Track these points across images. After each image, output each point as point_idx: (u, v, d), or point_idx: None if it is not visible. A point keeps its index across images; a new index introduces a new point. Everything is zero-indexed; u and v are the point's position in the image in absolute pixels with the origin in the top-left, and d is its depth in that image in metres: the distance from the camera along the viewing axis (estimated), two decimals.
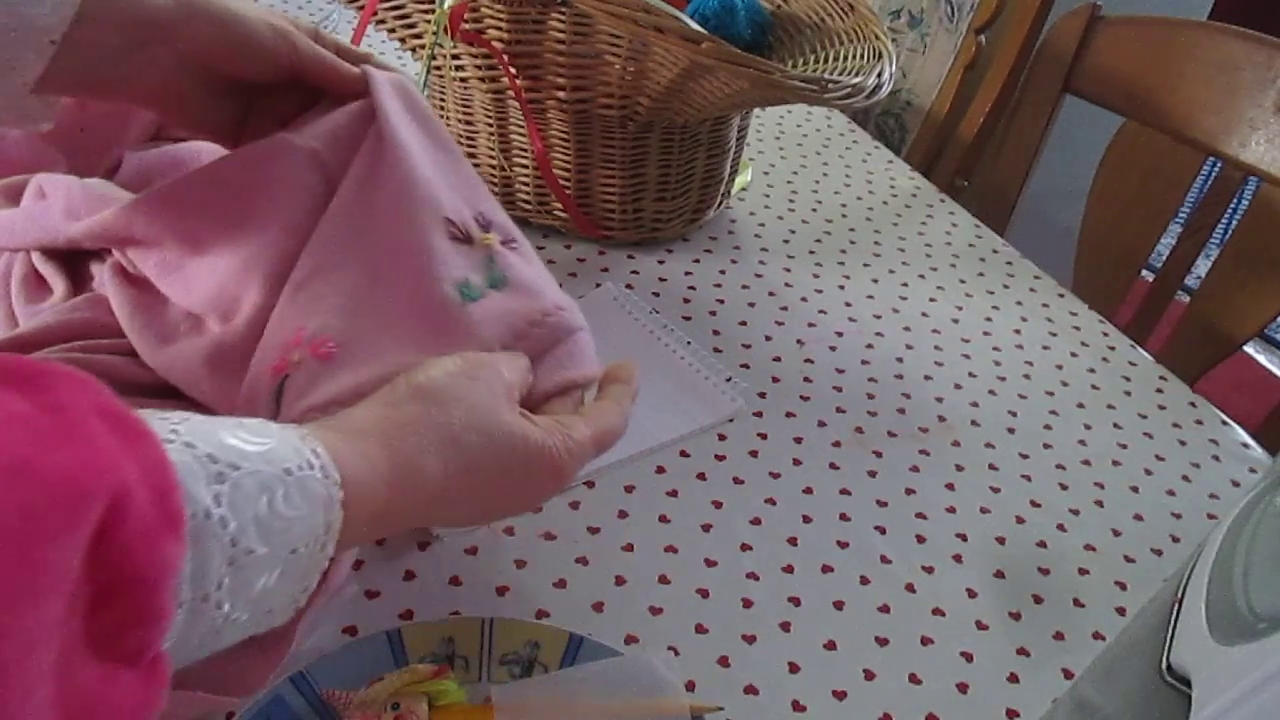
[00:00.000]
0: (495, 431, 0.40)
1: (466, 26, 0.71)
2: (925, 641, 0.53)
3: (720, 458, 0.62)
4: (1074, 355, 0.78)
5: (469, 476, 0.39)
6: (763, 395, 0.67)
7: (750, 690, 0.49)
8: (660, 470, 0.60)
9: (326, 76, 0.51)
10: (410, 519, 0.40)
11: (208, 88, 0.49)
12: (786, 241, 0.86)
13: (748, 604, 0.53)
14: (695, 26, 0.63)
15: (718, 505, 0.59)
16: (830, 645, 0.52)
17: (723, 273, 0.80)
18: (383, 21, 0.76)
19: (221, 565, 0.29)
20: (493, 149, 0.78)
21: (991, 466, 0.65)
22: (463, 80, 0.76)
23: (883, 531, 0.59)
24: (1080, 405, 0.72)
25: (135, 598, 0.26)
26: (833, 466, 0.63)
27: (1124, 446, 0.69)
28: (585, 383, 0.50)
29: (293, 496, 0.31)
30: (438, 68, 0.75)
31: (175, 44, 0.45)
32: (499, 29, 0.70)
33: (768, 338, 0.73)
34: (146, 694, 0.26)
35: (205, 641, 0.30)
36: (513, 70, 0.72)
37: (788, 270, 0.82)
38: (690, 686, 0.48)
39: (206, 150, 0.62)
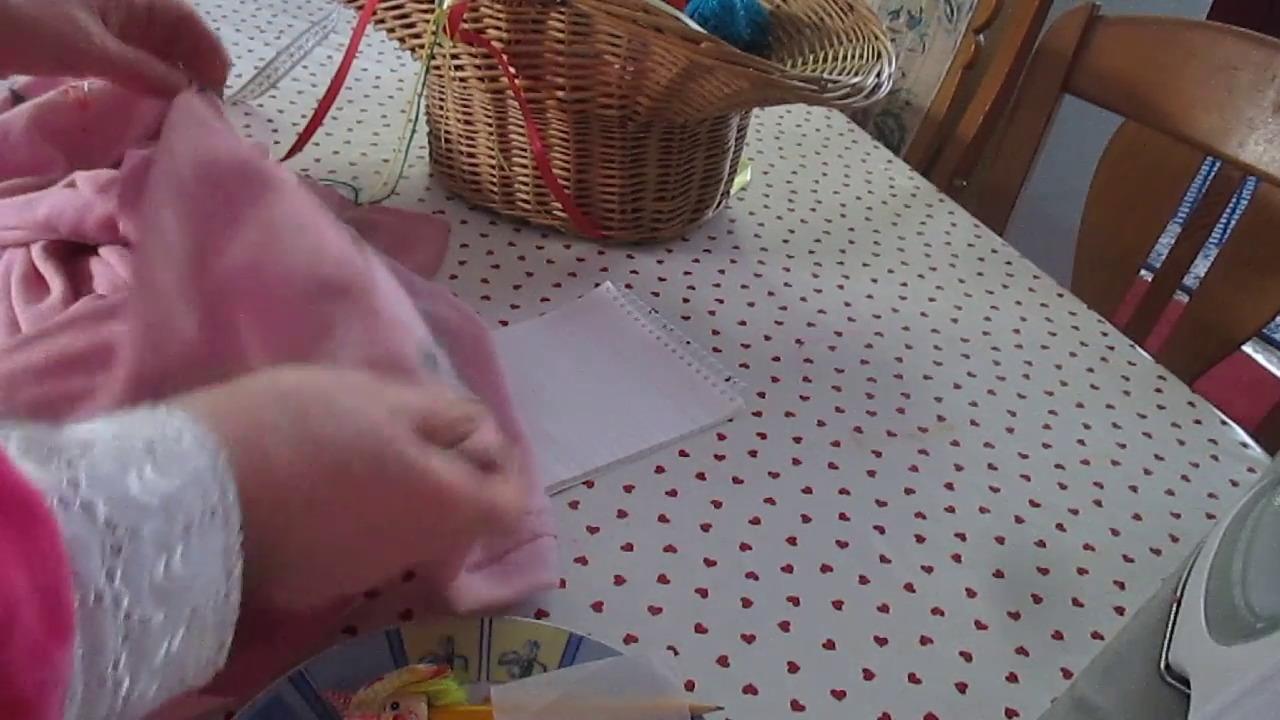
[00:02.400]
0: (367, 431, 0.36)
1: (466, 26, 0.71)
2: (924, 641, 0.53)
3: (720, 457, 0.62)
4: (1073, 355, 0.78)
5: (326, 473, 0.35)
6: (762, 395, 0.68)
7: (750, 690, 0.49)
8: (660, 470, 0.60)
9: (125, 77, 0.52)
10: (287, 543, 0.35)
11: None
12: (786, 241, 0.86)
13: (747, 604, 0.53)
14: (695, 26, 0.63)
15: (717, 505, 0.59)
16: (829, 645, 0.52)
17: (722, 272, 0.80)
18: (382, 21, 0.76)
19: (116, 643, 0.27)
20: (492, 149, 0.78)
21: (991, 466, 0.65)
22: (462, 80, 0.76)
23: (882, 531, 0.59)
24: (1079, 405, 0.72)
25: (20, 718, 0.24)
26: (832, 466, 0.63)
27: (1123, 446, 0.69)
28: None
29: (192, 555, 0.29)
30: (437, 67, 0.75)
31: None
32: (498, 29, 0.70)
33: (767, 337, 0.73)
34: None
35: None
36: (512, 70, 0.72)
37: (787, 270, 0.82)
38: (690, 686, 0.48)
39: None
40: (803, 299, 0.79)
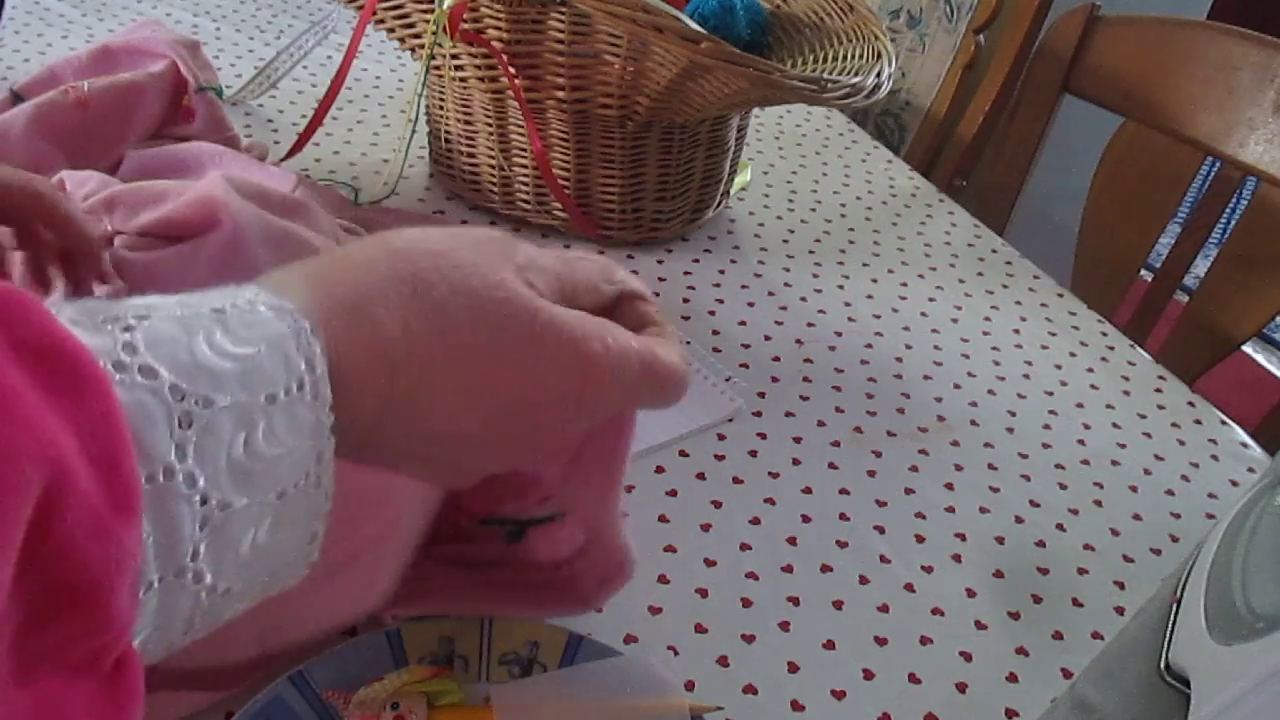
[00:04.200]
0: (485, 289, 0.31)
1: (466, 26, 0.71)
2: (924, 641, 0.53)
3: (719, 457, 0.62)
4: (1073, 355, 0.78)
5: (445, 341, 0.30)
6: (762, 395, 0.68)
7: (749, 690, 0.49)
8: (660, 470, 0.60)
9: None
10: (393, 411, 0.30)
11: None
12: (786, 241, 0.86)
13: (747, 604, 0.53)
14: (694, 26, 0.63)
15: (717, 505, 0.59)
16: (829, 645, 0.52)
17: (722, 272, 0.80)
18: (382, 21, 0.76)
19: (193, 529, 0.23)
20: (492, 149, 0.78)
21: (991, 466, 0.65)
22: (462, 80, 0.76)
23: (882, 531, 0.59)
24: (1079, 405, 0.72)
25: (84, 606, 0.21)
26: (832, 466, 0.63)
27: (1123, 446, 0.69)
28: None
29: (276, 430, 0.25)
30: (437, 68, 0.75)
31: None
32: (498, 29, 0.70)
33: (767, 337, 0.73)
34: (112, 704, 0.22)
35: (199, 622, 0.26)
36: (512, 70, 0.72)
37: (787, 270, 0.82)
38: (689, 686, 0.48)
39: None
40: (803, 299, 0.79)
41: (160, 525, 0.23)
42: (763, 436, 0.64)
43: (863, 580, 0.56)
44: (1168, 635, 0.35)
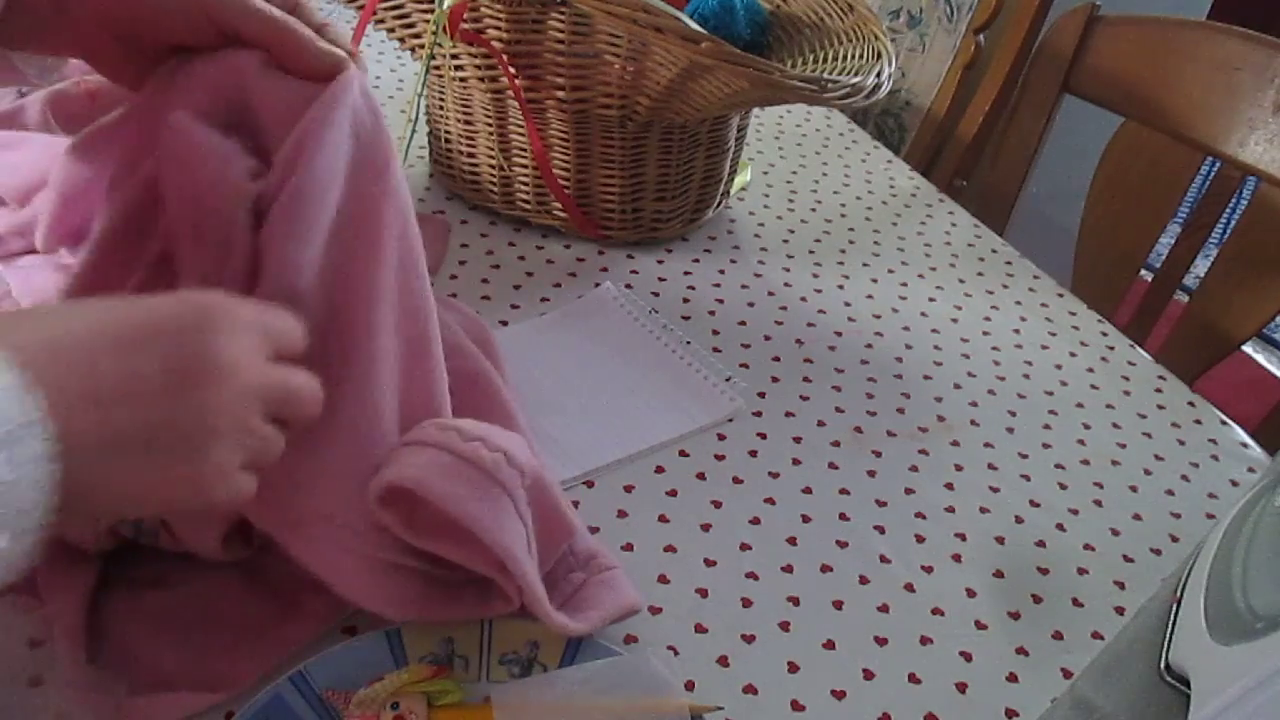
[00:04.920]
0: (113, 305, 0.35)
1: (466, 26, 0.71)
2: (924, 641, 0.53)
3: (720, 457, 0.62)
4: (1073, 355, 0.78)
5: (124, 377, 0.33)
6: (762, 395, 0.68)
7: (750, 690, 0.49)
8: (660, 470, 0.60)
9: (275, 45, 0.45)
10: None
11: (135, 48, 0.46)
12: (786, 241, 0.86)
13: (747, 604, 0.53)
14: (694, 26, 0.63)
15: (717, 505, 0.59)
16: (829, 645, 0.52)
17: (722, 272, 0.80)
18: (382, 21, 0.76)
19: None
20: (492, 149, 0.78)
21: (991, 466, 0.65)
22: (462, 80, 0.76)
23: (882, 531, 0.59)
24: (1079, 405, 0.72)
25: None
26: (832, 466, 0.63)
27: (1123, 446, 0.69)
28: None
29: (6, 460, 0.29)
30: (437, 67, 0.75)
31: (88, 3, 0.44)
32: (498, 29, 0.70)
33: (767, 337, 0.73)
34: None
35: None
36: (512, 70, 0.72)
37: (787, 270, 0.82)
38: (690, 686, 0.48)
39: None
40: (803, 299, 0.79)
41: None
42: (763, 436, 0.64)
43: (863, 580, 0.56)
44: (1168, 635, 0.35)
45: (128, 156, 0.47)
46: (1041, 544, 0.60)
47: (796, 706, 0.48)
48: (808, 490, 0.61)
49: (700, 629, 0.51)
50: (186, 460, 0.35)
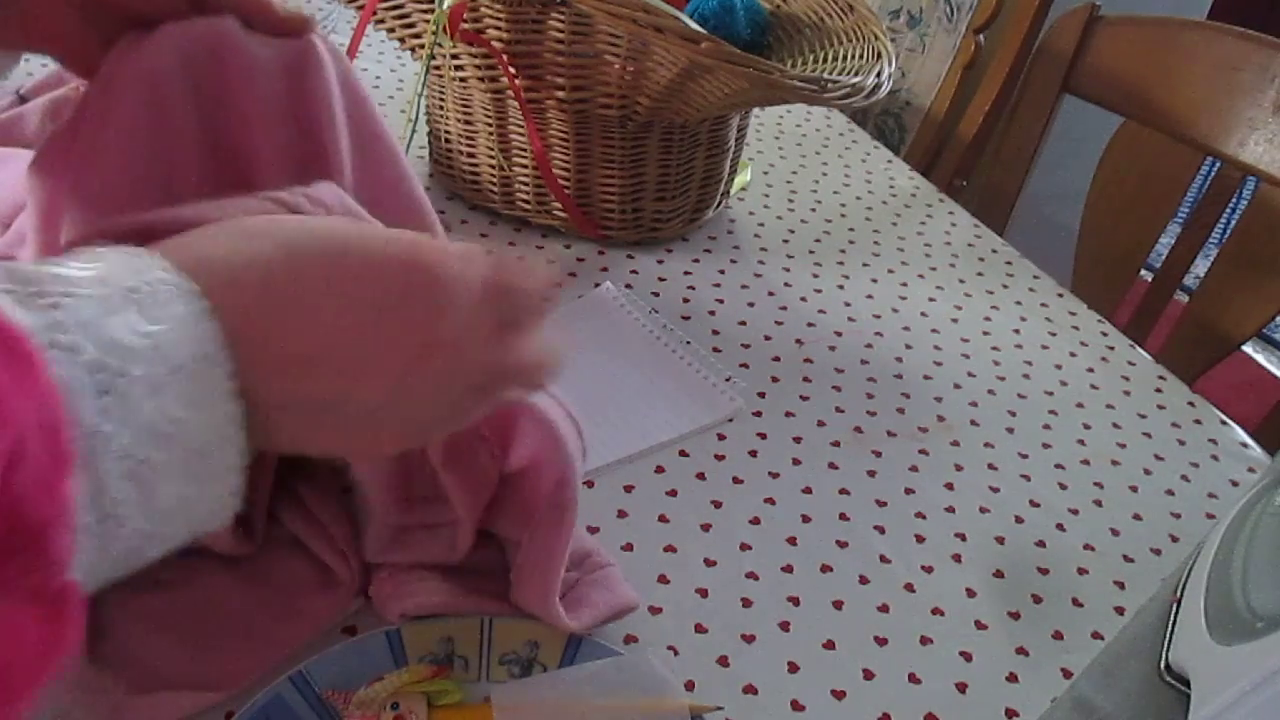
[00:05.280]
0: (350, 241, 0.34)
1: (466, 26, 0.71)
2: (924, 641, 0.53)
3: (720, 457, 0.62)
4: (1073, 355, 0.78)
5: (323, 291, 0.33)
6: (762, 395, 0.68)
7: (749, 690, 0.49)
8: (660, 470, 0.60)
9: (243, 6, 0.46)
10: (289, 380, 0.33)
11: (103, 31, 0.46)
12: (786, 241, 0.86)
13: (747, 604, 0.53)
14: (694, 26, 0.63)
15: (717, 505, 0.59)
16: (829, 645, 0.52)
17: (722, 272, 0.80)
18: (382, 21, 0.76)
19: (119, 481, 0.27)
20: (492, 149, 0.78)
21: (991, 466, 0.65)
22: (462, 80, 0.76)
23: (882, 531, 0.59)
24: (1079, 405, 0.72)
25: (32, 547, 0.25)
26: (832, 466, 0.63)
27: (1123, 446, 0.69)
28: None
29: (185, 396, 0.29)
30: (437, 67, 0.75)
31: None
32: (498, 29, 0.70)
33: (767, 337, 0.73)
34: (55, 628, 0.26)
35: (124, 560, 0.29)
36: (512, 70, 0.72)
37: (787, 270, 0.82)
38: (690, 686, 0.48)
39: None
40: (803, 299, 0.79)
41: (90, 479, 0.27)
42: (763, 436, 0.64)
43: (863, 580, 0.56)
44: (1168, 635, 0.35)
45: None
46: (1041, 544, 0.60)
47: (796, 706, 0.48)
48: (808, 490, 0.61)
49: (700, 629, 0.51)
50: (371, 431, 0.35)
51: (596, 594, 0.49)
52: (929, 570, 0.57)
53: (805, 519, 0.59)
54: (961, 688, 0.51)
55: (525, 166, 0.78)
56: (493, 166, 0.79)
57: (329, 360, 0.33)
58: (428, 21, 0.72)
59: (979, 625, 0.54)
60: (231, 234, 0.34)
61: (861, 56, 0.75)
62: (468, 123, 0.79)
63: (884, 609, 0.54)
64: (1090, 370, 0.76)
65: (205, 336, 0.30)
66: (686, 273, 0.79)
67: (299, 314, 0.33)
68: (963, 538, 0.59)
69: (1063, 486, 0.65)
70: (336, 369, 0.33)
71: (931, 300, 0.81)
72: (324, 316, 0.33)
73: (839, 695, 0.49)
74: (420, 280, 0.35)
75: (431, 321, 0.35)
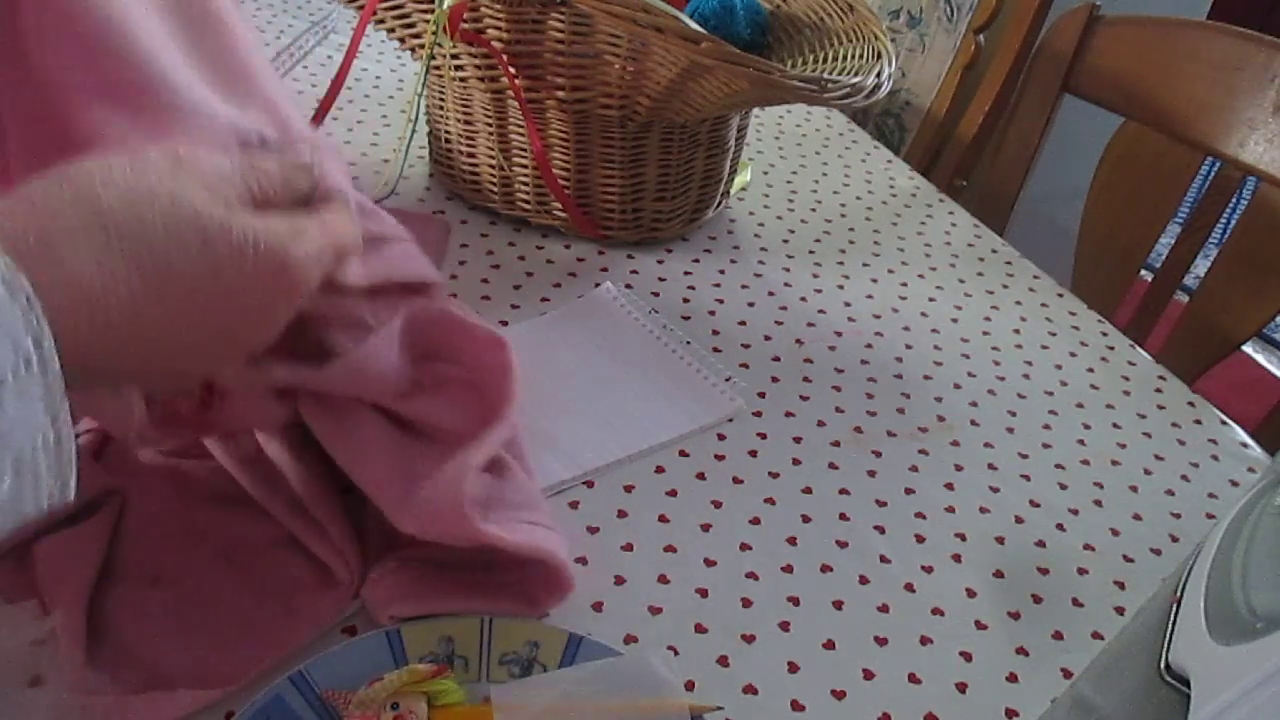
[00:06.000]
0: (177, 219, 0.33)
1: (466, 26, 0.71)
2: (924, 641, 0.53)
3: (719, 457, 0.62)
4: (1073, 355, 0.78)
5: (144, 277, 0.32)
6: (762, 395, 0.68)
7: (749, 690, 0.49)
8: (659, 470, 0.60)
9: None
10: (109, 353, 0.33)
11: None
12: (786, 241, 0.86)
13: (747, 604, 0.53)
14: (694, 26, 0.63)
15: (717, 505, 0.59)
16: (829, 645, 0.52)
17: (722, 272, 0.80)
18: (382, 21, 0.76)
19: None
20: (492, 149, 0.78)
21: (991, 466, 0.65)
22: (462, 80, 0.76)
23: (882, 531, 0.59)
24: (1079, 405, 0.72)
25: None
26: (832, 466, 0.63)
27: (1123, 446, 0.69)
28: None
29: (7, 406, 0.28)
30: (437, 67, 0.75)
31: None
32: (498, 29, 0.70)
33: (767, 337, 0.73)
34: None
35: None
36: (512, 70, 0.72)
37: (787, 270, 0.82)
38: (689, 686, 0.48)
39: None
40: (803, 299, 0.79)
41: None
42: (763, 436, 0.64)
43: (863, 580, 0.56)
44: (1168, 635, 0.35)
45: None
46: (1041, 544, 0.60)
47: (796, 706, 0.48)
48: (808, 490, 0.61)
49: (700, 629, 0.51)
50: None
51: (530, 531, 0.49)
52: (929, 570, 0.57)
53: (805, 519, 0.59)
54: (961, 688, 0.51)
55: (525, 166, 0.78)
56: (493, 166, 0.79)
57: (166, 348, 0.34)
58: (428, 21, 0.72)
59: (979, 625, 0.54)
60: (61, 204, 0.32)
61: (861, 56, 0.75)
62: (468, 123, 0.79)
63: (884, 609, 0.54)
64: (1090, 370, 0.76)
65: (32, 338, 0.29)
66: (686, 273, 0.79)
67: (139, 312, 0.32)
68: (963, 538, 0.59)
69: (1063, 486, 0.65)
70: (171, 354, 0.34)
71: (931, 300, 0.81)
72: (171, 316, 0.33)
73: (839, 695, 0.49)
74: (274, 283, 0.36)
75: (286, 307, 0.37)
